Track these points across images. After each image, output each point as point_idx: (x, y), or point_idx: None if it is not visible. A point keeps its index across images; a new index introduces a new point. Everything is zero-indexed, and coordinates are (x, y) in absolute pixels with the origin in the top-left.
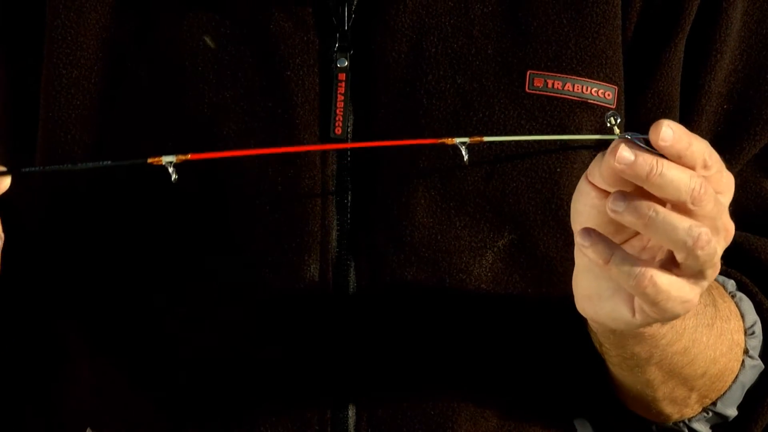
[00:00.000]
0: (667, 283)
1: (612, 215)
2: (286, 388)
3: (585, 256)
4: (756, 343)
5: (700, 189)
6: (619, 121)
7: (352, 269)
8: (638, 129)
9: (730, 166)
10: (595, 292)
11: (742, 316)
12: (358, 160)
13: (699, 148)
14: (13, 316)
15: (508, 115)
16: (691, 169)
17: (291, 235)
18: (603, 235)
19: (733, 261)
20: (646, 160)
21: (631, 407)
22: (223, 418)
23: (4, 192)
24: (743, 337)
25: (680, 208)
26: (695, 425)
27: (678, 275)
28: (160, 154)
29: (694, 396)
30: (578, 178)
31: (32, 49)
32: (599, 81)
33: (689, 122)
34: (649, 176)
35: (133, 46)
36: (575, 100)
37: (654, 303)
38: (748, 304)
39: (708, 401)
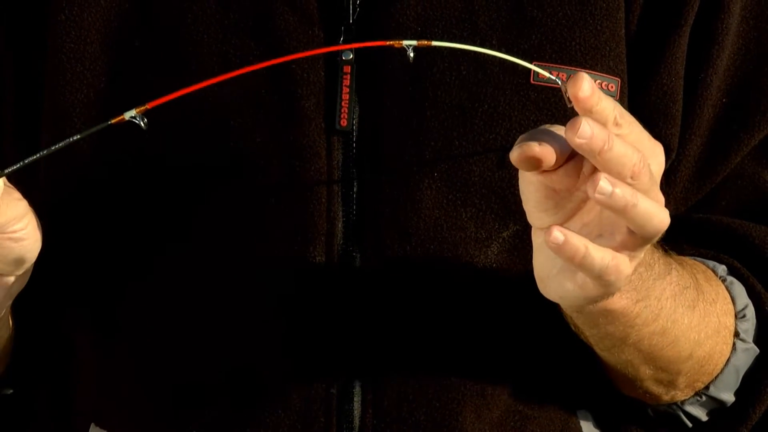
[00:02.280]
0: (624, 265)
1: (598, 198)
2: (292, 369)
3: (542, 241)
4: (748, 326)
5: (640, 163)
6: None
7: (357, 261)
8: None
9: (729, 158)
10: (546, 273)
11: (733, 300)
12: (364, 152)
13: (608, 104)
14: (21, 313)
15: (513, 107)
16: (604, 125)
17: (296, 226)
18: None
19: (727, 246)
20: (602, 135)
21: (621, 389)
22: (229, 399)
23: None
24: (733, 320)
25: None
26: (689, 408)
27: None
28: (164, 149)
29: (681, 379)
30: None
31: (36, 42)
32: (603, 73)
33: (690, 115)
34: (601, 151)
35: (137, 40)
36: None
37: (606, 283)
38: (739, 288)
39: (700, 385)
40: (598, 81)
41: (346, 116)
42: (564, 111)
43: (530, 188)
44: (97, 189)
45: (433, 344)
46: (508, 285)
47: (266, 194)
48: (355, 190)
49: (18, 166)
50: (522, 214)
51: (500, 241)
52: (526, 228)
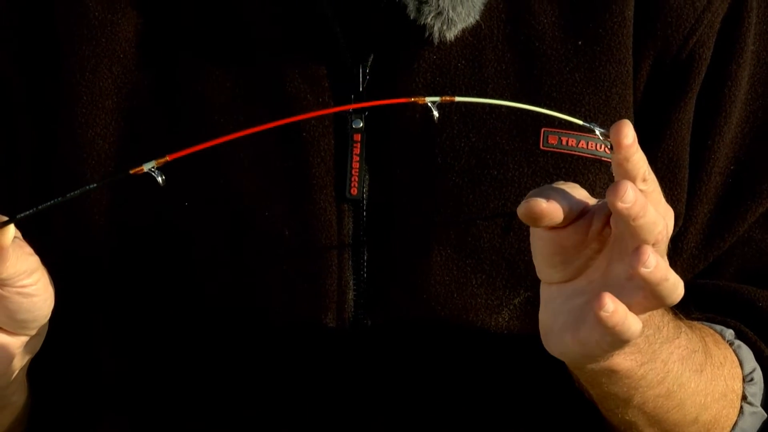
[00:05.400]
0: (637, 326)
1: (642, 272)
2: None
3: (549, 290)
4: (755, 390)
5: (664, 230)
6: None
7: (368, 327)
8: None
9: (736, 225)
10: (548, 328)
11: (741, 364)
12: (374, 220)
13: (642, 157)
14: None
15: (523, 173)
16: (632, 181)
17: (307, 294)
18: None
19: (734, 310)
20: (641, 202)
21: None
22: None
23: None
24: (740, 383)
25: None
26: None
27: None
28: (175, 214)
29: None
30: None
31: (49, 106)
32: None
33: (698, 182)
34: (637, 217)
35: (149, 106)
36: (589, 157)
37: (619, 344)
38: (747, 352)
39: None
40: (606, 147)
41: (356, 185)
42: (574, 177)
43: (539, 243)
44: (109, 253)
45: (445, 409)
46: (519, 352)
47: (277, 261)
48: (365, 257)
49: (30, 212)
50: (532, 280)
51: (511, 308)
52: (537, 295)
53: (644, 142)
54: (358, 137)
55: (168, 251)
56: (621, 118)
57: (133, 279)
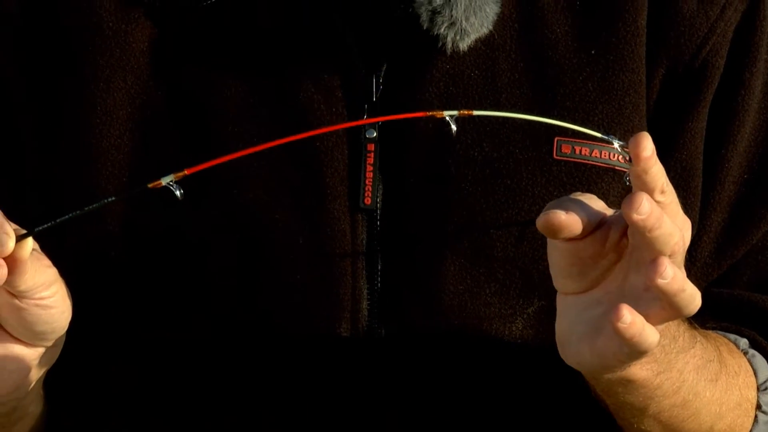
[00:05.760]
0: (654, 337)
1: (659, 283)
2: None
3: (566, 301)
4: None
5: (680, 242)
6: None
7: (382, 336)
8: None
9: (750, 234)
10: (566, 338)
11: (755, 373)
12: (388, 229)
13: (661, 170)
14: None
15: (536, 182)
16: (650, 193)
17: (321, 304)
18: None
19: (748, 319)
20: (656, 213)
21: None
22: None
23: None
24: (755, 393)
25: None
26: None
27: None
28: (188, 224)
29: None
30: None
31: (54, 113)
32: (625, 148)
33: (711, 190)
34: (652, 228)
35: (163, 116)
36: (602, 166)
37: (637, 355)
38: (761, 361)
39: None
40: (621, 156)
41: (370, 194)
42: (588, 186)
43: (556, 254)
44: (123, 263)
45: (460, 419)
46: (533, 361)
47: (290, 271)
48: (379, 267)
49: (48, 225)
50: (546, 289)
51: (525, 317)
52: (551, 303)
53: (658, 151)
54: (371, 147)
55: (182, 261)
56: (634, 127)
57: (146, 288)
